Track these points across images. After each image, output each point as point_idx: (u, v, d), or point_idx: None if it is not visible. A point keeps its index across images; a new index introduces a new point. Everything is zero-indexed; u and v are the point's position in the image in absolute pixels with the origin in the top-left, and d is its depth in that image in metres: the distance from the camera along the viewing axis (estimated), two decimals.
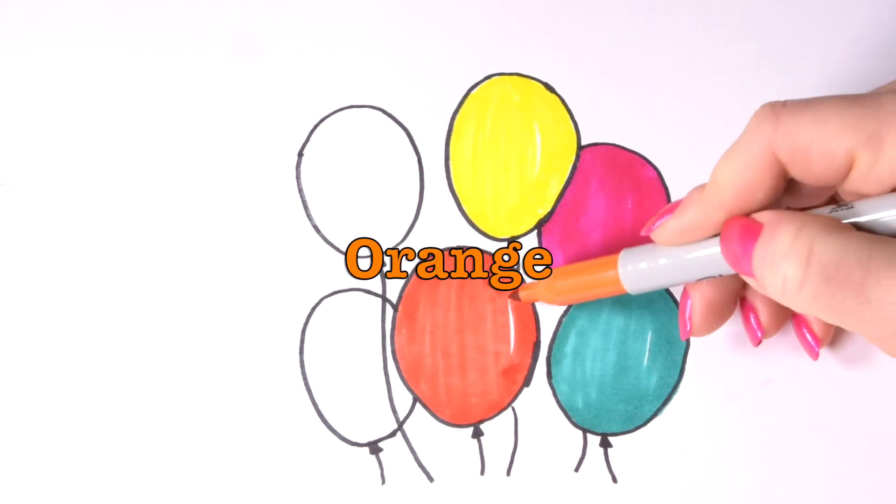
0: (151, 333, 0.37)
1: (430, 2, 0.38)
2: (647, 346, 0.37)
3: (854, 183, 0.27)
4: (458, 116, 0.38)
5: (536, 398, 0.37)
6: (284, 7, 0.38)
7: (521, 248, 0.38)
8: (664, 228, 0.30)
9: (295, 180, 0.38)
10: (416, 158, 0.38)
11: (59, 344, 0.37)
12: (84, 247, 0.38)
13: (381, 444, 0.37)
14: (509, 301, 0.37)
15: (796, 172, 0.27)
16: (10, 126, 0.38)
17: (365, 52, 0.38)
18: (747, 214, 0.28)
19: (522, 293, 0.36)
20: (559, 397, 0.37)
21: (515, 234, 0.38)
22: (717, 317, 0.33)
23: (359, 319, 0.38)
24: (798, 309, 0.26)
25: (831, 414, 0.37)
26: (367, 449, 0.37)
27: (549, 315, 0.37)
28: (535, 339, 0.37)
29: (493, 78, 0.38)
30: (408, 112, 0.38)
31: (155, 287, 0.37)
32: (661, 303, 0.37)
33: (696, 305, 0.33)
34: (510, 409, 0.37)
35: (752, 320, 0.34)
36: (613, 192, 0.37)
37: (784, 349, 0.37)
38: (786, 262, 0.26)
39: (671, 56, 0.38)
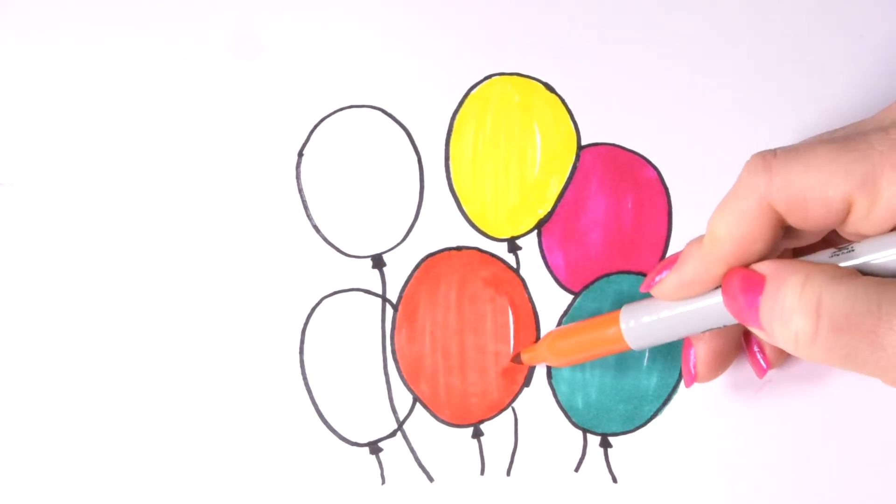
0: (151, 333, 0.37)
1: (430, 2, 0.38)
2: None
3: (853, 225, 0.26)
4: (458, 116, 0.38)
5: (536, 398, 0.37)
6: (284, 7, 0.38)
7: (521, 249, 0.38)
8: (664, 284, 0.30)
9: (295, 180, 0.38)
10: (416, 158, 0.38)
11: (60, 344, 0.37)
12: (84, 247, 0.38)
13: (381, 444, 0.37)
14: (508, 302, 0.37)
15: (794, 221, 0.27)
16: (10, 126, 0.38)
17: (365, 52, 0.38)
18: (747, 265, 0.28)
19: (524, 356, 0.36)
20: (559, 397, 0.37)
21: (515, 234, 0.38)
22: (721, 363, 0.33)
23: (359, 319, 0.38)
24: (811, 360, 0.26)
25: (831, 414, 0.37)
26: (367, 449, 0.37)
27: (550, 315, 0.37)
28: (535, 340, 0.37)
29: (493, 78, 0.38)
30: (408, 112, 0.38)
31: (155, 287, 0.37)
32: None
33: (701, 355, 0.33)
34: (510, 409, 0.37)
35: (758, 355, 0.34)
36: (613, 192, 0.37)
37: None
38: (795, 316, 0.25)
39: (671, 56, 0.38)
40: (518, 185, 0.38)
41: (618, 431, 0.37)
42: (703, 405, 0.37)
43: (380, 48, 0.38)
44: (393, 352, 0.37)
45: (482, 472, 0.37)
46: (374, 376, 0.37)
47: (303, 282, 0.38)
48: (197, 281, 0.38)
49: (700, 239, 0.29)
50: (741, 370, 0.37)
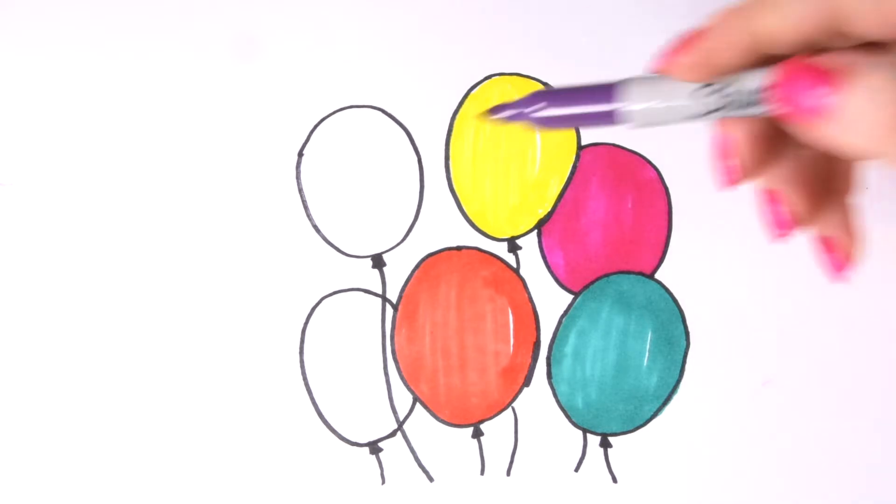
0: (152, 333, 0.37)
1: (430, 2, 0.38)
2: (647, 346, 0.37)
3: None
4: (458, 116, 0.38)
5: (536, 398, 0.37)
6: (284, 8, 0.38)
7: (521, 249, 0.38)
8: (684, 57, 0.26)
9: (295, 180, 0.38)
10: (416, 158, 0.38)
11: (60, 343, 0.37)
12: (84, 247, 0.38)
13: (381, 444, 0.37)
14: (508, 302, 0.37)
15: (859, 28, 0.24)
16: (10, 126, 0.38)
17: (365, 52, 0.38)
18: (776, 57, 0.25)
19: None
20: (559, 397, 0.37)
21: (515, 233, 0.38)
22: (767, 150, 0.27)
23: (359, 319, 0.38)
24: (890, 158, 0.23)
25: (831, 414, 0.37)
26: (367, 449, 0.37)
27: (549, 315, 0.37)
28: (535, 339, 0.37)
29: (493, 78, 0.38)
30: (408, 112, 0.38)
31: (155, 287, 0.37)
32: (662, 303, 0.37)
33: (744, 142, 0.26)
34: (510, 409, 0.37)
35: (776, 209, 0.27)
36: (613, 192, 0.37)
37: (784, 349, 0.37)
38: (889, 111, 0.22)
39: None
40: (518, 185, 0.38)
41: (618, 431, 0.37)
42: (703, 405, 0.37)
43: (380, 48, 0.38)
44: (393, 352, 0.37)
45: (482, 472, 0.37)
46: (374, 376, 0.37)
47: (303, 282, 0.38)
48: (197, 281, 0.38)
49: (730, 11, 0.26)
50: (741, 371, 0.37)
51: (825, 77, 0.24)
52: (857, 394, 0.36)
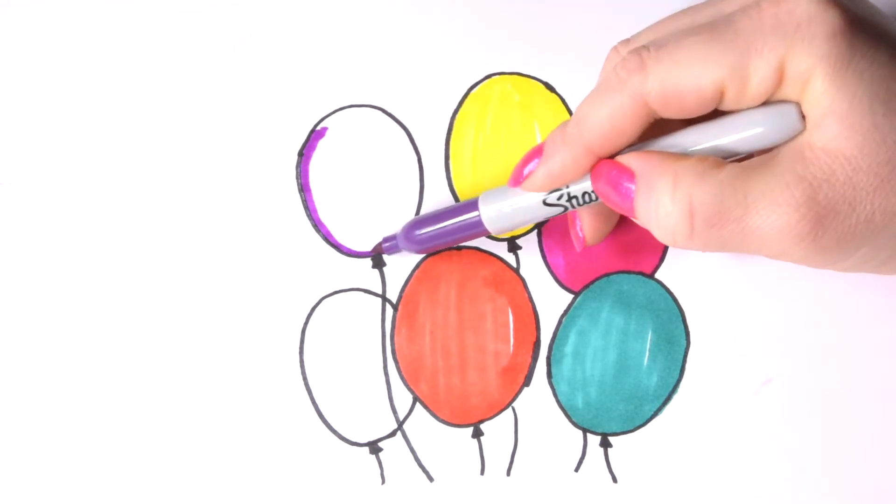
0: (151, 333, 0.37)
1: (430, 2, 0.38)
2: (647, 346, 0.37)
3: (725, 106, 0.28)
4: (458, 116, 0.38)
5: (536, 398, 0.37)
6: (285, 7, 0.38)
7: (521, 248, 0.38)
8: (534, 178, 0.31)
9: (295, 180, 0.38)
10: (416, 158, 0.38)
11: (59, 344, 0.37)
12: (84, 247, 0.38)
13: (381, 444, 0.37)
14: (508, 302, 0.37)
15: (668, 113, 0.28)
16: (9, 126, 0.38)
17: (365, 52, 0.38)
18: (614, 155, 0.29)
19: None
20: (559, 397, 0.37)
21: (515, 234, 0.38)
22: (605, 224, 0.34)
23: (359, 319, 0.37)
24: (688, 249, 0.28)
25: (831, 414, 0.37)
26: (367, 449, 0.37)
27: (550, 314, 0.37)
28: (535, 339, 0.37)
29: (493, 78, 0.38)
30: (408, 112, 0.38)
31: (155, 287, 0.37)
32: (662, 303, 0.37)
33: (585, 220, 0.34)
34: (510, 408, 0.37)
35: (579, 232, 0.34)
36: None
37: (784, 349, 0.37)
38: (670, 219, 0.27)
39: None
40: None
41: (618, 431, 0.37)
42: (703, 405, 0.37)
43: (380, 48, 0.38)
44: (393, 352, 0.37)
45: (482, 472, 0.37)
46: (374, 376, 0.37)
47: (303, 282, 0.38)
48: (197, 281, 0.37)
49: (562, 129, 0.30)
50: (741, 371, 0.37)
51: (622, 178, 0.29)
52: (859, 393, 0.36)
